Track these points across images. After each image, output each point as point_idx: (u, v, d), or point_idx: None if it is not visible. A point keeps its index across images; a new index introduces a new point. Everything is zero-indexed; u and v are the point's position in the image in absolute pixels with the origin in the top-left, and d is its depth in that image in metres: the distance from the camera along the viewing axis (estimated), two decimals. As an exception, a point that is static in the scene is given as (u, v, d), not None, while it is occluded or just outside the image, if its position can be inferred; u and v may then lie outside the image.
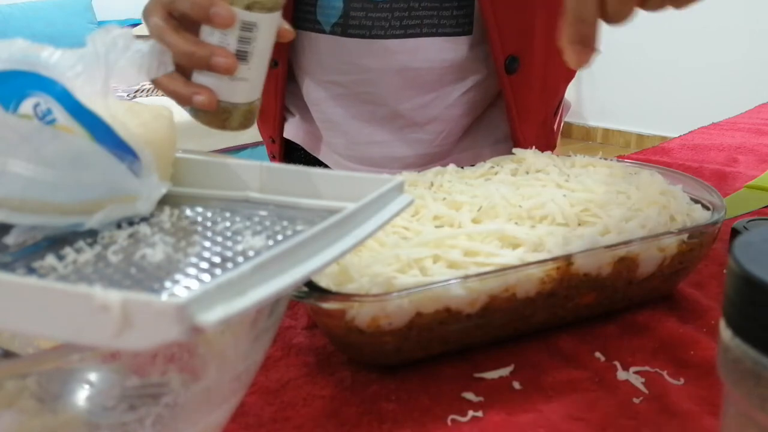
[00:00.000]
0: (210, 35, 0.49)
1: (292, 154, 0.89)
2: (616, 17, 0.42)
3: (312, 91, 0.80)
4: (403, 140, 0.79)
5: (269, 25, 0.51)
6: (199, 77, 0.51)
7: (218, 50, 0.49)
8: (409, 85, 0.76)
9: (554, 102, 0.87)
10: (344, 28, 0.73)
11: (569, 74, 0.88)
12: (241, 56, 0.50)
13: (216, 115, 0.51)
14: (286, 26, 0.53)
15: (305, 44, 0.77)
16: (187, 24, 0.51)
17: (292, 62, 0.81)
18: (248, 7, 0.49)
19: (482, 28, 0.74)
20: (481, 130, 0.83)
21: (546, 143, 0.87)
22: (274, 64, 0.77)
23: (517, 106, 0.77)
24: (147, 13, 0.53)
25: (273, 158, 0.89)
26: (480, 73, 0.78)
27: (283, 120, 0.86)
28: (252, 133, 0.82)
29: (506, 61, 0.74)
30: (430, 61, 0.74)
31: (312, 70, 0.79)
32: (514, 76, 0.75)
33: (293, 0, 0.74)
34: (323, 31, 0.74)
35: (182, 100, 0.51)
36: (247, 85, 0.51)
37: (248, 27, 0.49)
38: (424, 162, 0.79)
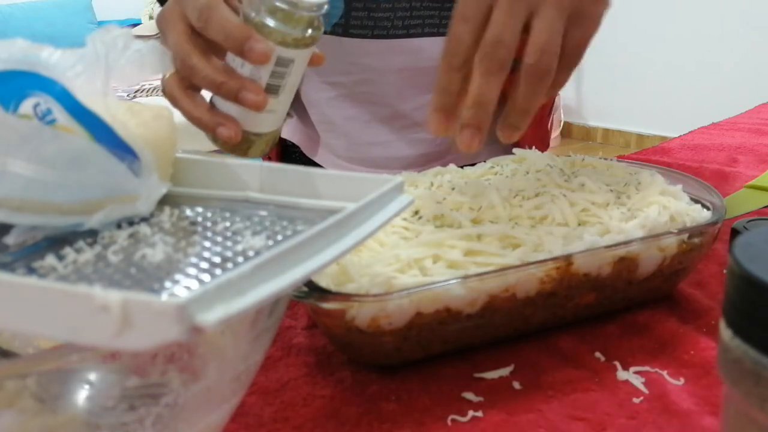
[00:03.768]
0: (241, 66, 0.46)
1: (288, 154, 0.89)
2: (483, 94, 0.44)
3: (311, 92, 0.80)
4: (404, 140, 0.79)
5: (304, 59, 0.47)
6: (224, 104, 0.47)
7: (249, 85, 0.45)
8: (411, 85, 0.76)
9: (549, 101, 0.87)
10: (345, 27, 0.73)
11: None
12: (272, 90, 0.46)
13: (238, 144, 0.48)
14: (317, 52, 0.50)
15: None
16: (211, 43, 0.48)
17: None
18: (286, 44, 0.45)
19: None
20: None
21: (541, 142, 0.87)
22: None
23: None
24: (165, 24, 0.49)
25: (268, 159, 0.89)
26: None
27: None
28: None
29: None
30: (432, 60, 0.74)
31: (312, 71, 0.78)
32: (512, 74, 0.75)
33: None
34: (324, 31, 0.74)
35: (205, 129, 0.48)
36: (273, 116, 0.48)
37: (284, 63, 0.46)
38: (424, 161, 0.79)
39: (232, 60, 0.47)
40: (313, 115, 0.82)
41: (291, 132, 0.86)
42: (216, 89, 0.46)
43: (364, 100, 0.77)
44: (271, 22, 0.45)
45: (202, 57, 0.47)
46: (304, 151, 0.86)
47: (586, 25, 0.46)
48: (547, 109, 0.87)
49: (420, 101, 0.77)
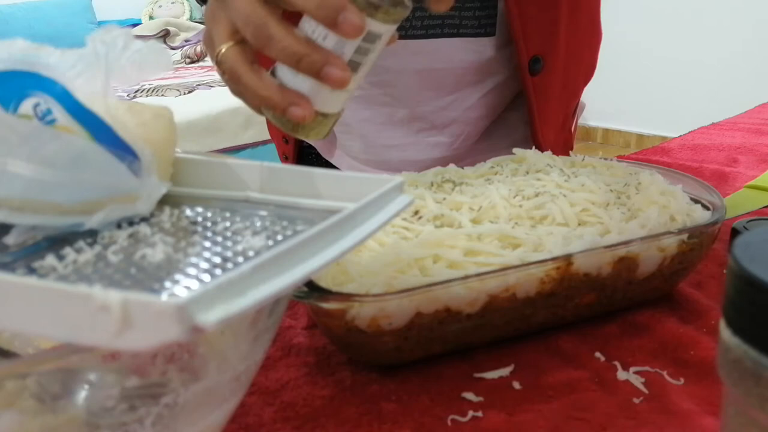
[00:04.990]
0: (323, 37, 0.41)
1: (305, 155, 0.88)
2: None
3: None
4: (421, 143, 0.78)
5: (389, 36, 0.43)
6: (293, 78, 0.43)
7: (335, 59, 0.41)
8: (429, 87, 0.75)
9: (573, 103, 0.86)
10: None
11: (588, 75, 0.87)
12: (353, 67, 0.43)
13: (304, 124, 0.44)
14: (394, 33, 0.46)
15: None
16: (284, 10, 0.43)
17: None
18: (378, 18, 0.42)
19: (505, 29, 0.73)
20: (498, 133, 0.82)
21: (564, 145, 0.86)
22: None
23: (539, 107, 0.76)
24: None
25: (285, 159, 0.88)
26: (500, 74, 0.77)
27: None
28: (252, 134, 0.81)
29: (530, 61, 0.73)
30: (451, 62, 0.73)
31: None
32: (537, 77, 0.74)
33: None
34: None
35: (274, 108, 0.43)
36: (346, 96, 0.45)
37: (372, 38, 0.42)
38: (441, 166, 0.79)
39: (312, 32, 0.42)
40: None
41: None
42: (296, 63, 0.41)
43: (381, 101, 0.76)
44: None
45: (280, 25, 0.42)
46: (321, 153, 0.85)
47: None
48: (571, 111, 0.87)
49: (438, 104, 0.76)
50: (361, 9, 0.41)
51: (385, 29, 0.43)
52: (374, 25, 0.42)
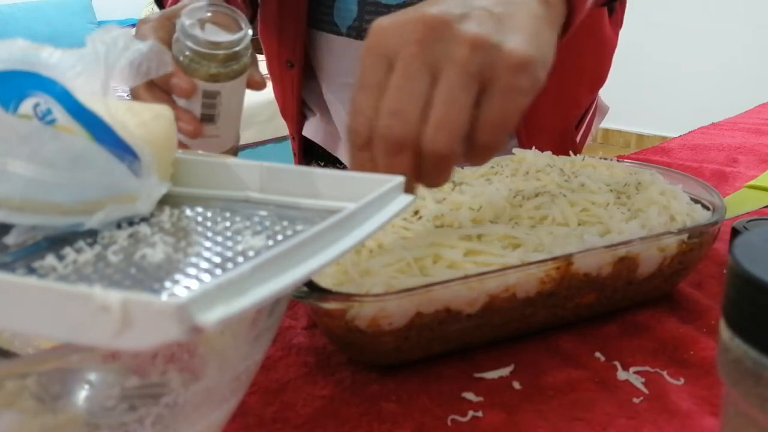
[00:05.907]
0: (178, 98, 0.51)
1: (311, 152, 0.89)
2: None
3: (330, 91, 0.80)
4: None
5: (234, 89, 0.50)
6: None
7: (183, 115, 0.50)
8: None
9: (574, 113, 0.84)
10: (359, 31, 0.73)
11: (596, 83, 0.85)
12: (208, 119, 0.50)
13: None
14: (258, 78, 0.53)
15: (323, 45, 0.77)
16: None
17: (312, 61, 0.81)
18: (209, 79, 0.49)
19: None
20: None
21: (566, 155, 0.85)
22: (290, 65, 0.78)
23: (525, 121, 0.75)
24: None
25: (294, 155, 0.91)
26: None
27: (303, 118, 0.86)
28: (251, 133, 0.82)
29: None
30: None
31: (329, 71, 0.79)
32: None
33: (309, 1, 0.74)
34: (340, 33, 0.74)
35: None
36: (218, 140, 0.52)
37: (211, 95, 0.50)
38: None
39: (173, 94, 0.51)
40: (333, 114, 0.83)
41: (313, 131, 0.87)
42: None
43: None
44: (191, 62, 0.49)
45: (146, 90, 0.51)
46: (325, 147, 0.87)
47: (504, 100, 0.37)
48: (572, 124, 0.85)
49: None
50: (191, 74, 0.49)
51: (221, 86, 0.50)
52: (208, 86, 0.49)
